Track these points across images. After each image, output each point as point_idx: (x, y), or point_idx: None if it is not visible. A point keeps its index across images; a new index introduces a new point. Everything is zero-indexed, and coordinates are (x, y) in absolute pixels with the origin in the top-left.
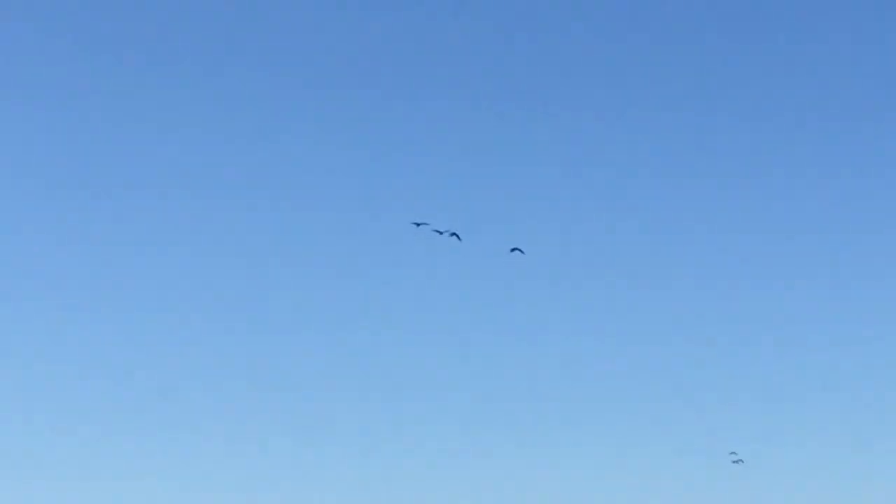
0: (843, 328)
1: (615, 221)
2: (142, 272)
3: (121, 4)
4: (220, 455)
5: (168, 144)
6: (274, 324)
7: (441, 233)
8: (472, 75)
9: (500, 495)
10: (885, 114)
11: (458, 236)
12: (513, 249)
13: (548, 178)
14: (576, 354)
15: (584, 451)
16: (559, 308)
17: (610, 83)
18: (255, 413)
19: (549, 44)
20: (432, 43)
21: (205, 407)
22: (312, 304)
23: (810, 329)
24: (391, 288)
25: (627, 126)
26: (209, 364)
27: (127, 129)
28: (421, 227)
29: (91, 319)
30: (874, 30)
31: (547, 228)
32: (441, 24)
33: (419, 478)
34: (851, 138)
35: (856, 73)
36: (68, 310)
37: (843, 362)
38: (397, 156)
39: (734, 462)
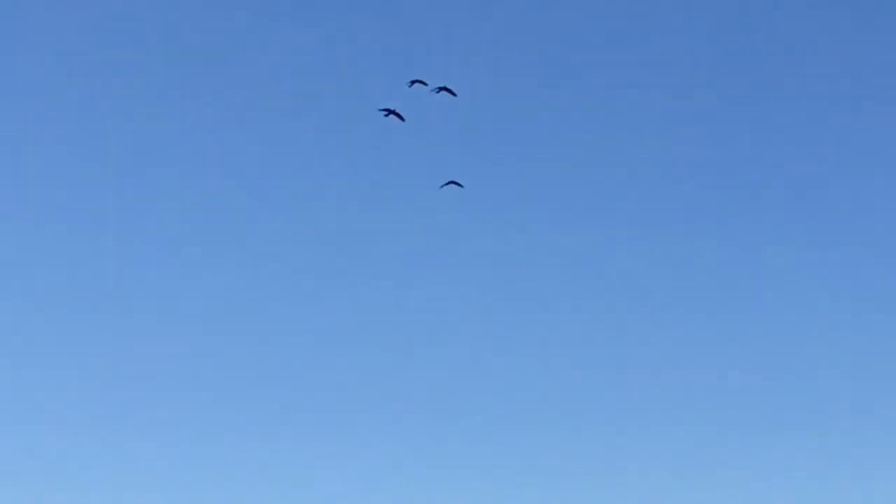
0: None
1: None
2: (137, 268)
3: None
4: (219, 454)
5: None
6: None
7: (437, 90)
8: None
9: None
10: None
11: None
12: (447, 184)
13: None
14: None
15: (585, 448)
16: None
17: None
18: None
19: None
20: None
21: (203, 403)
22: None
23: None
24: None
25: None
26: (205, 357)
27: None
28: (414, 85)
29: (88, 318)
30: None
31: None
32: None
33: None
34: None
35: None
36: (66, 308)
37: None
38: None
39: (444, 185)
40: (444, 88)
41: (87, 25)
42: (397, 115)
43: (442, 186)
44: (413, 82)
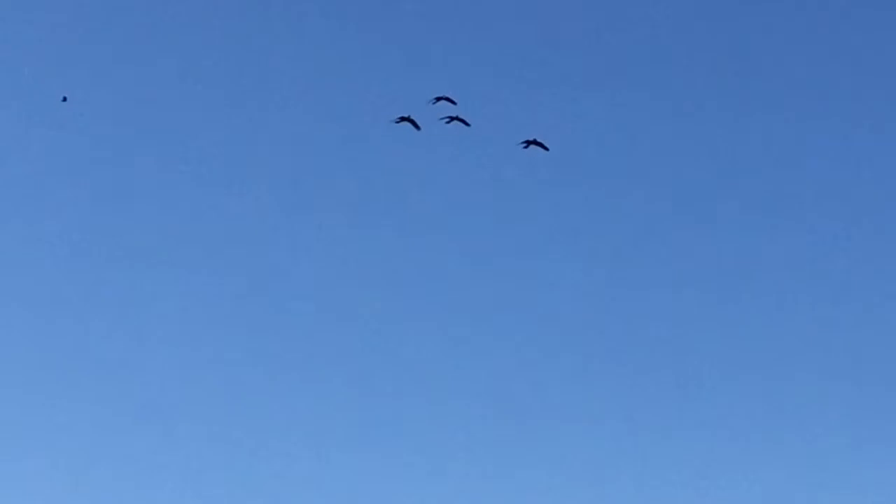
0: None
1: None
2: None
3: None
4: (218, 453)
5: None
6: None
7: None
8: None
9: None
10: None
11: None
12: (527, 143)
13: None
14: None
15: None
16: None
17: None
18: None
19: None
20: None
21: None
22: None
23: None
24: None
25: None
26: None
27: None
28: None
29: (89, 320)
30: None
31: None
32: None
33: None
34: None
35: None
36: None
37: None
38: None
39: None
40: (457, 118)
41: (86, 26)
42: (412, 122)
43: (434, 102)
44: (438, 99)
